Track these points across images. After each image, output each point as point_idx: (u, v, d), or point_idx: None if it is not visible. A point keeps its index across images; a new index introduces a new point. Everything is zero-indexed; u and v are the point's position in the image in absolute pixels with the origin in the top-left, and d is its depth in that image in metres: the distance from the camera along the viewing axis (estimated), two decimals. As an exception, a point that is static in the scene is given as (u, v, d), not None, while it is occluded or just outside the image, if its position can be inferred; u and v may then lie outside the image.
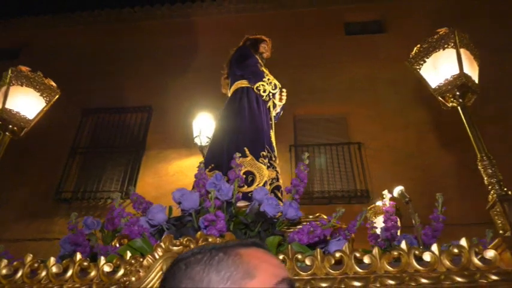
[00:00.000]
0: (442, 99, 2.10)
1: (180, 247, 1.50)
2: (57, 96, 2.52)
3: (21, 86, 2.37)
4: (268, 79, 3.38)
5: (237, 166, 2.13)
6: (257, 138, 2.98)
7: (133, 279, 1.44)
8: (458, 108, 2.03)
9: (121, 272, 1.59)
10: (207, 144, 5.35)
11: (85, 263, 1.66)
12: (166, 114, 6.64)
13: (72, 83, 6.29)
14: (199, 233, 1.53)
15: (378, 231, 2.20)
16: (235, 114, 3.14)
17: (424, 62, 2.16)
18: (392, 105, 6.27)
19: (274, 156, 3.02)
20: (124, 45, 7.54)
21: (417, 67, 2.19)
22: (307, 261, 1.54)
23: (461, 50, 2.06)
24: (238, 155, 2.23)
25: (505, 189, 1.70)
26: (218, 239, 1.49)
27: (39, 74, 2.47)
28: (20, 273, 1.69)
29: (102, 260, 1.66)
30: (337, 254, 1.55)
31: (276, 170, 2.93)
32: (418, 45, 2.24)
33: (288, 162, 5.93)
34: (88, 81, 7.12)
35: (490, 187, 1.75)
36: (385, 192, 2.26)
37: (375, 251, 1.55)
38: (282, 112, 3.68)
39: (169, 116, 6.56)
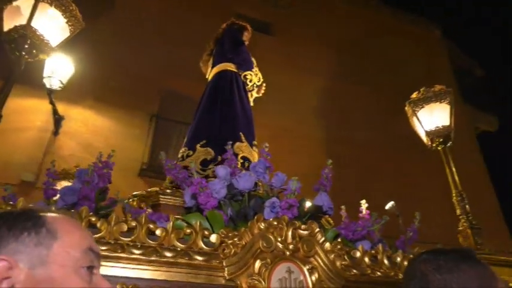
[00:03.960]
0: (430, 140, 2.67)
1: (268, 226, 1.63)
2: (80, 28, 2.24)
3: (50, 5, 2.05)
4: (256, 70, 3.53)
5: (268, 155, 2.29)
6: (248, 125, 3.12)
7: (231, 252, 1.52)
8: (441, 150, 2.63)
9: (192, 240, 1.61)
10: (60, 88, 4.96)
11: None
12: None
13: None
14: (285, 216, 1.68)
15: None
16: (227, 95, 3.20)
17: (423, 107, 2.70)
18: (262, 105, 6.97)
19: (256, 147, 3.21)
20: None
21: (416, 109, 2.72)
22: (353, 254, 1.85)
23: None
24: (266, 143, 2.38)
25: (472, 220, 2.33)
26: (303, 225, 1.68)
27: (69, -2, 2.16)
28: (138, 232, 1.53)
29: (170, 225, 1.63)
30: (373, 251, 1.91)
31: (259, 161, 3.11)
32: (417, 92, 2.78)
33: (145, 131, 6.04)
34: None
35: (460, 217, 2.36)
36: (363, 201, 2.72)
37: (400, 253, 1.96)
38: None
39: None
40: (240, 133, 2.97)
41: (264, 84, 3.68)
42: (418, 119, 2.72)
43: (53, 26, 2.07)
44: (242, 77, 3.39)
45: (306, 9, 8.43)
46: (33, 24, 1.97)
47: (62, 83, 5.00)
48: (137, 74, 6.22)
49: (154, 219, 1.87)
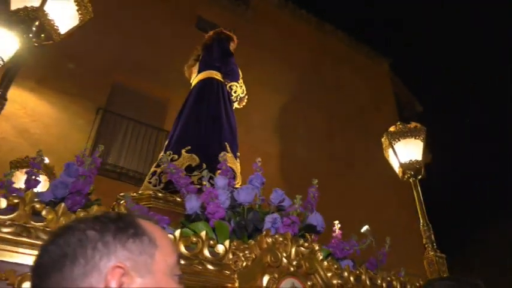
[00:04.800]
0: (402, 171, 2.89)
1: (274, 241, 1.69)
2: (89, 18, 2.17)
3: (64, -9, 1.97)
4: (241, 82, 3.59)
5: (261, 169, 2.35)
6: (233, 137, 3.16)
7: (243, 264, 1.55)
8: (412, 182, 2.86)
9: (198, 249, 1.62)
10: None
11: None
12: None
13: None
14: (288, 233, 1.75)
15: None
16: (214, 103, 3.22)
17: (399, 140, 2.93)
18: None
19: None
20: None
21: (393, 141, 2.94)
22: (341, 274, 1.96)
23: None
24: (259, 158, 2.44)
25: (436, 247, 2.56)
26: (306, 243, 1.75)
27: (83, -15, 2.09)
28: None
29: (178, 232, 1.63)
30: (357, 272, 2.04)
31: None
32: (394, 126, 3.02)
33: (90, 123, 5.84)
34: None
35: (426, 245, 2.58)
36: (336, 222, 2.86)
37: (379, 276, 2.10)
38: None
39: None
40: (226, 143, 3.00)
41: (246, 97, 3.74)
42: (394, 150, 2.94)
43: (64, 12, 1.98)
44: (227, 87, 3.43)
45: (265, 23, 8.69)
46: (46, 8, 1.88)
47: (2, 60, 4.58)
48: (88, 63, 5.93)
49: (154, 223, 1.84)
